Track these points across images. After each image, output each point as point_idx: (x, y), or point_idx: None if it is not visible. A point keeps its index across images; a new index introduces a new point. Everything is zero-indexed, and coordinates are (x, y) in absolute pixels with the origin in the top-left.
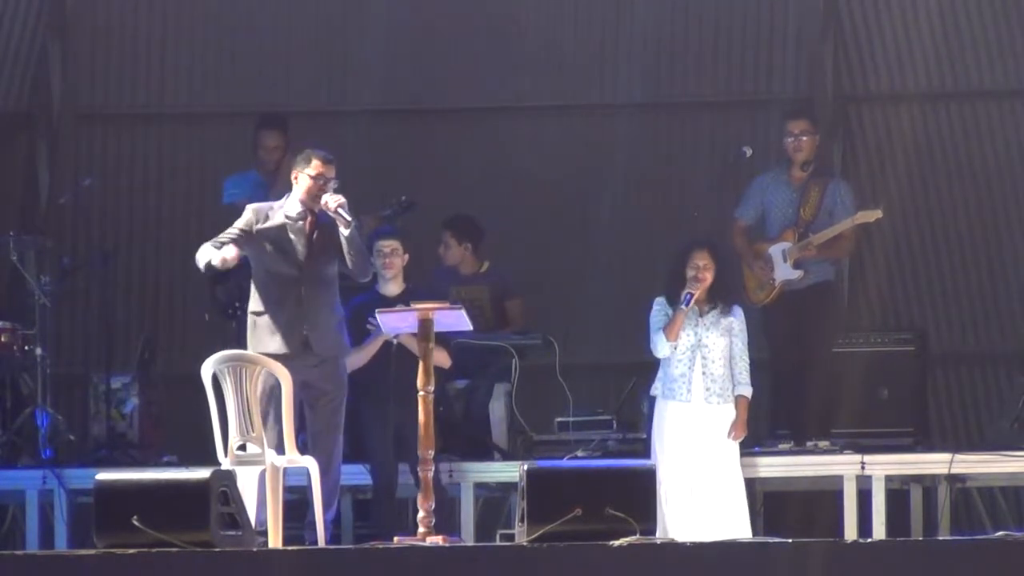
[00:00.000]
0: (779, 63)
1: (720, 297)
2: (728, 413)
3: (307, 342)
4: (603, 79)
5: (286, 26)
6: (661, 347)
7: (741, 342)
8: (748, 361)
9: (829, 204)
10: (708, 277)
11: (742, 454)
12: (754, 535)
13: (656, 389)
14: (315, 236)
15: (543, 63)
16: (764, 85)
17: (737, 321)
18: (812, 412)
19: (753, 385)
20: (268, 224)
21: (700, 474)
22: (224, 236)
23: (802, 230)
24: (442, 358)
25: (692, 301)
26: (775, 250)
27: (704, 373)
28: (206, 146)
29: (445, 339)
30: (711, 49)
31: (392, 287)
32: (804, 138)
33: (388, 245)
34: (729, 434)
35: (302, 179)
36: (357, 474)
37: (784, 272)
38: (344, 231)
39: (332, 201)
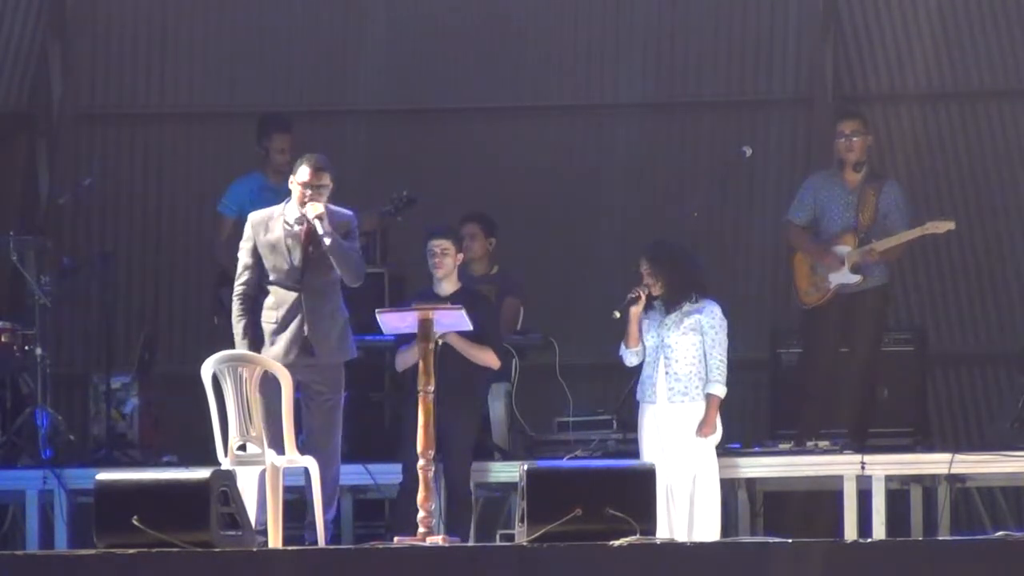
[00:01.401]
0: (779, 63)
1: (679, 297)
2: (696, 412)
3: (310, 349)
4: (603, 79)
5: (286, 26)
6: (624, 356)
7: (712, 339)
8: (723, 359)
9: (884, 207)
10: (651, 283)
11: (742, 454)
12: (754, 535)
13: (638, 392)
14: (311, 243)
15: (543, 63)
16: (764, 85)
17: (707, 318)
18: (851, 413)
19: (752, 385)
20: (267, 236)
21: (670, 474)
22: (240, 282)
23: (862, 235)
24: (489, 359)
25: (635, 304)
26: (835, 252)
27: (667, 373)
28: (206, 146)
29: (491, 339)
30: (711, 49)
31: (445, 286)
32: (855, 139)
33: (439, 245)
34: (697, 432)
35: (294, 185)
36: (357, 474)
37: (843, 276)
38: (325, 241)
39: (311, 211)
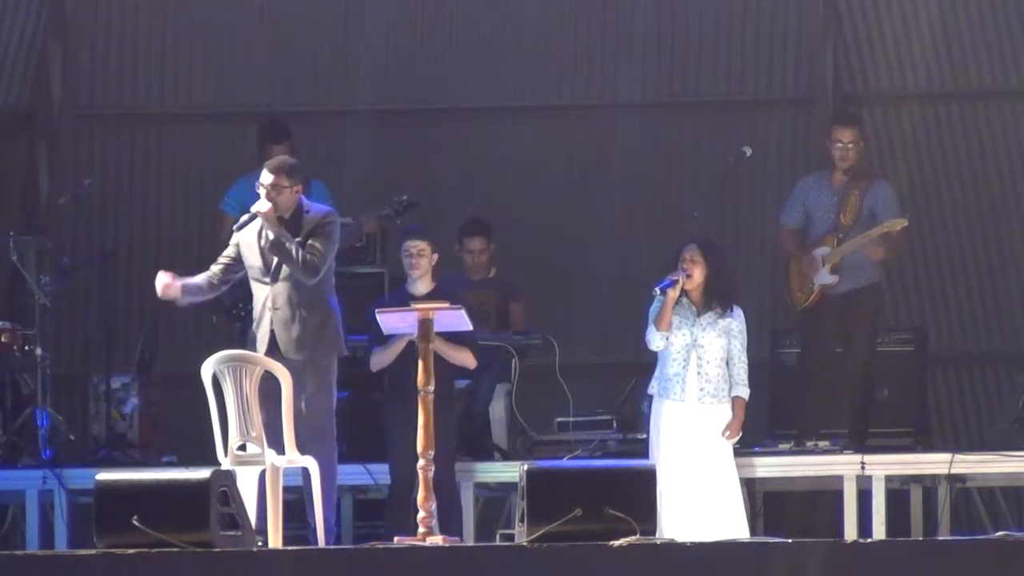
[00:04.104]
0: (779, 63)
1: (716, 298)
2: (723, 413)
3: (275, 345)
4: (603, 79)
5: (286, 26)
6: (652, 339)
7: (740, 344)
8: (747, 363)
9: (870, 206)
10: (695, 272)
11: (742, 454)
12: (754, 535)
13: (653, 388)
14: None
15: (543, 63)
16: (764, 85)
17: (736, 322)
18: (851, 413)
19: (753, 385)
20: (245, 231)
21: (694, 474)
22: (220, 259)
23: (841, 235)
24: (467, 358)
25: (673, 287)
26: (816, 254)
27: (699, 373)
28: (206, 146)
29: (470, 339)
30: (711, 49)
31: (420, 287)
32: (851, 147)
33: (415, 246)
34: (724, 433)
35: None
36: (357, 474)
37: (822, 278)
38: (269, 236)
39: (254, 207)
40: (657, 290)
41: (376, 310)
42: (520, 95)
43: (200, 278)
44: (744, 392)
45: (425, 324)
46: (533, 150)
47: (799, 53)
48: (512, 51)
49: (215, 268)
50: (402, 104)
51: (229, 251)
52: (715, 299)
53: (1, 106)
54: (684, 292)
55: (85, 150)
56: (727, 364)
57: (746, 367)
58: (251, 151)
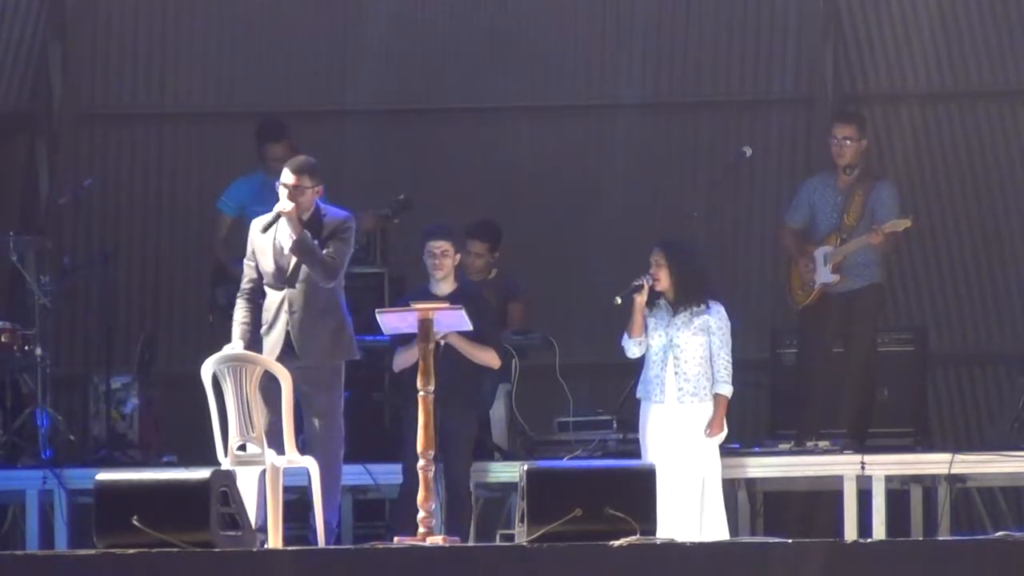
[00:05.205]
0: (779, 63)
1: (689, 297)
2: (704, 412)
3: (293, 349)
4: (603, 79)
5: (286, 26)
6: (627, 346)
7: (719, 339)
8: (729, 359)
9: (872, 206)
10: (661, 276)
11: (742, 454)
12: (753, 535)
13: (640, 391)
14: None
15: (543, 63)
16: (764, 85)
17: (714, 319)
18: (851, 413)
19: (753, 385)
20: (259, 236)
21: (677, 473)
22: (245, 279)
23: (844, 235)
24: (490, 358)
25: (639, 292)
26: (818, 253)
27: (676, 373)
28: (206, 146)
29: (494, 339)
30: (711, 49)
31: (443, 287)
32: (848, 143)
33: (439, 246)
34: (705, 431)
35: (279, 187)
36: (357, 474)
37: (824, 276)
38: (291, 237)
39: (277, 207)
40: (618, 299)
41: (376, 310)
42: (520, 95)
43: (247, 317)
44: (725, 389)
45: (425, 324)
46: (533, 150)
47: (799, 53)
48: (512, 51)
49: (249, 287)
50: (402, 104)
51: (249, 262)
52: (688, 298)
53: (1, 106)
54: (660, 294)
55: (85, 150)
56: (709, 361)
57: (728, 364)
58: (251, 151)
